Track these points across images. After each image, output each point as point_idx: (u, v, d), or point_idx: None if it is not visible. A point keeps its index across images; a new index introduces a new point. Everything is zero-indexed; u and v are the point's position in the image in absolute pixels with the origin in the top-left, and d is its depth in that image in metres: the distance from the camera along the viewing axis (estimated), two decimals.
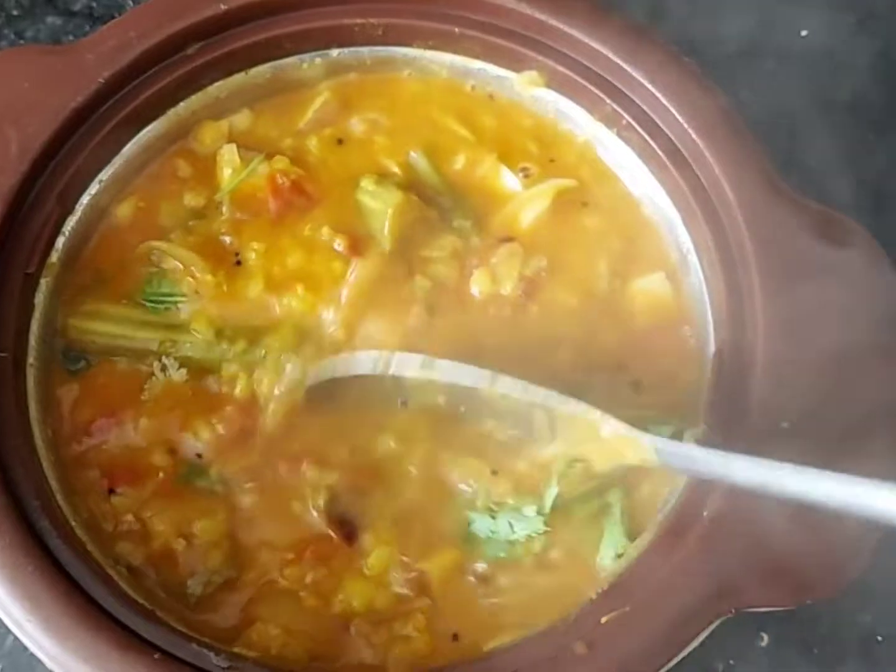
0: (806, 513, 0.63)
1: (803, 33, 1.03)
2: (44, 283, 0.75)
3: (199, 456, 0.73)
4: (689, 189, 0.77)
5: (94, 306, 0.77)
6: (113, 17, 1.00)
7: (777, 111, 0.96)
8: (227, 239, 0.80)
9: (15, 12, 1.04)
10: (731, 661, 0.80)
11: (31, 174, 0.74)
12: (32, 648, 0.62)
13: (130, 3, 1.04)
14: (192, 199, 0.81)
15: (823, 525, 0.64)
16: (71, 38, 1.02)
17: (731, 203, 0.74)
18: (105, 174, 0.79)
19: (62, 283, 0.77)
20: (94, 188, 0.79)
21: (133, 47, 0.78)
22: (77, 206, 0.78)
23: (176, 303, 0.78)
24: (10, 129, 0.74)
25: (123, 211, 0.81)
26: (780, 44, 1.01)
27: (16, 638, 0.76)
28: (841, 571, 0.66)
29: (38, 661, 0.76)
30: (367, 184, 0.80)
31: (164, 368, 0.75)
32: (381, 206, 0.78)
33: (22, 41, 1.02)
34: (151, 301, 0.78)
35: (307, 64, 0.84)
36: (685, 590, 0.64)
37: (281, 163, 0.80)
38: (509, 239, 0.80)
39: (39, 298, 0.75)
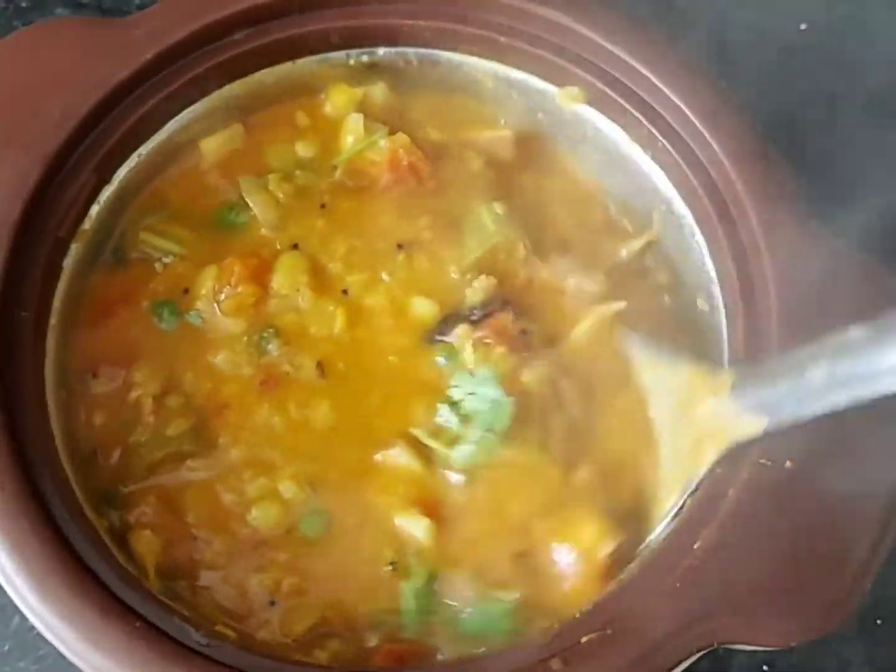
0: (799, 551, 0.63)
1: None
2: (73, 249, 0.77)
3: None
4: (717, 218, 0.76)
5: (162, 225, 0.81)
6: (121, 10, 1.05)
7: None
8: (326, 198, 0.82)
9: (24, 4, 1.06)
10: None
11: (71, 141, 0.75)
12: (18, 602, 0.63)
13: None
14: (303, 150, 0.84)
15: (816, 565, 0.64)
16: None
17: (758, 242, 0.74)
18: (145, 149, 0.81)
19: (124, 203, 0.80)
20: (132, 161, 0.80)
21: (182, 27, 0.79)
22: (114, 178, 0.79)
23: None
24: (55, 96, 0.76)
25: (209, 145, 0.83)
26: None
27: (22, 618, 0.80)
28: (832, 614, 0.65)
29: (43, 640, 0.78)
30: (488, 210, 0.80)
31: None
32: (481, 239, 0.79)
33: None
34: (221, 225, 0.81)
35: (353, 60, 0.85)
36: (667, 619, 0.63)
37: (402, 140, 0.82)
38: None
39: (68, 262, 0.76)
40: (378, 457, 0.74)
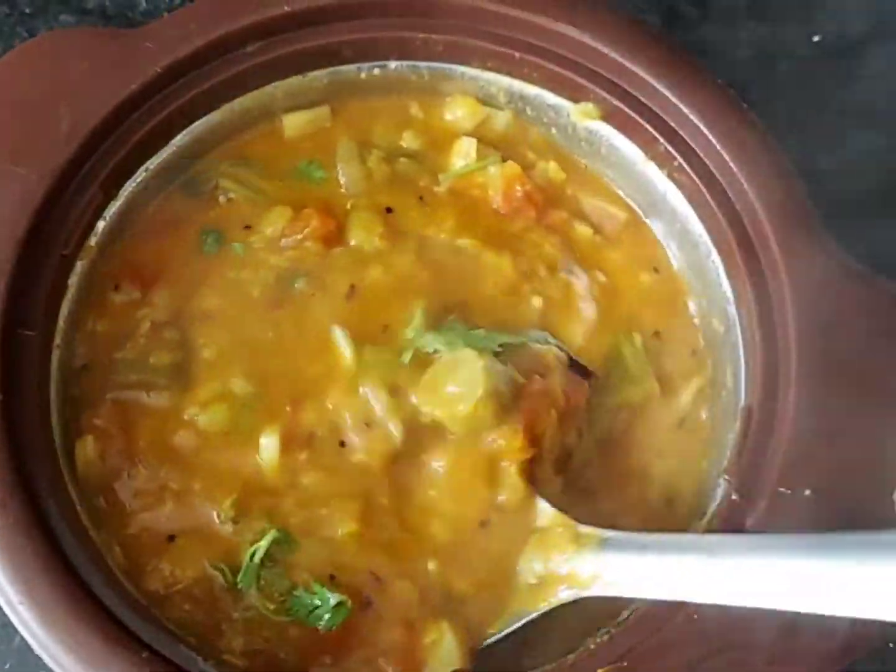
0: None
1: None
2: (79, 266, 0.76)
3: None
4: (735, 239, 0.76)
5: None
6: (126, 17, 1.03)
7: None
8: (426, 195, 0.82)
9: (28, 10, 1.04)
10: None
11: (78, 157, 0.74)
12: (22, 631, 0.62)
13: (143, 2, 1.04)
14: (409, 140, 0.85)
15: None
16: None
17: (776, 262, 0.73)
18: (152, 163, 0.80)
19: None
20: (139, 176, 0.79)
21: (193, 39, 0.78)
22: (121, 193, 0.78)
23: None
24: (64, 108, 0.75)
25: (292, 121, 0.84)
26: None
27: (22, 637, 0.78)
28: (848, 649, 0.64)
29: None
30: None
31: None
32: None
33: None
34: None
35: (365, 73, 0.84)
36: (684, 650, 0.63)
37: (513, 169, 0.82)
38: None
39: (73, 280, 0.75)
40: None
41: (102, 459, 0.72)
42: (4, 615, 0.80)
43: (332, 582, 0.69)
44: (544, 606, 0.69)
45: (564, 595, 0.68)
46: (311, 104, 0.85)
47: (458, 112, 0.85)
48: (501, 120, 0.86)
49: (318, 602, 0.68)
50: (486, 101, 0.86)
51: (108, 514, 0.71)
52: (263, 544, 0.69)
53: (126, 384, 0.74)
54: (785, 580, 0.58)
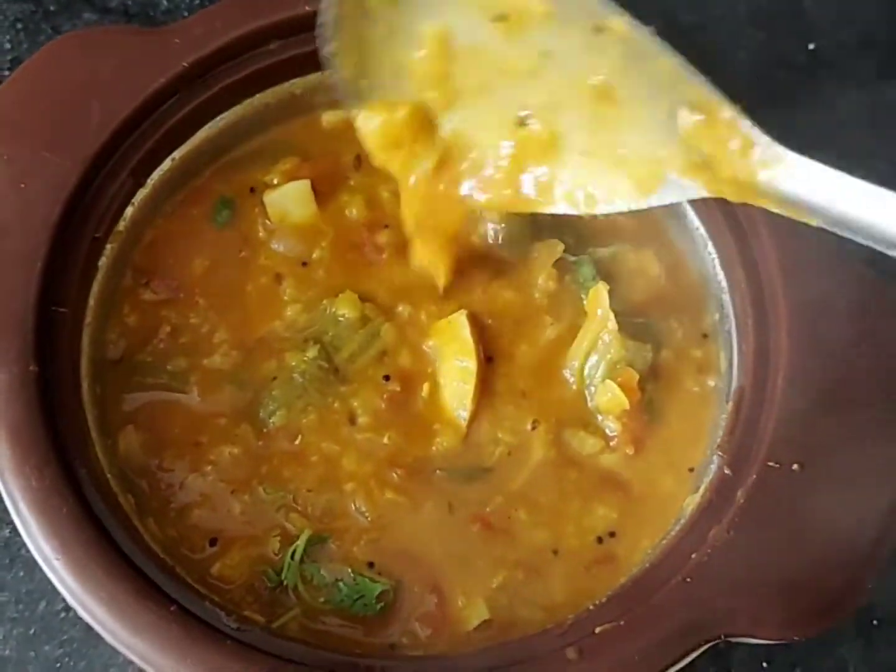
0: (803, 550, 0.66)
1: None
2: (108, 249, 0.80)
3: None
4: (729, 231, 0.80)
5: None
6: (148, 15, 1.07)
7: None
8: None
9: (52, 7, 1.08)
10: None
11: (109, 146, 0.78)
12: (58, 585, 0.66)
13: (164, 2, 1.08)
14: None
15: (819, 564, 0.67)
16: None
17: (768, 252, 0.77)
18: (178, 153, 0.84)
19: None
20: (166, 165, 0.83)
21: (218, 37, 0.82)
22: (149, 181, 0.82)
23: None
24: (95, 102, 0.79)
25: (329, 118, 0.87)
26: None
27: (48, 602, 0.84)
28: (833, 611, 0.68)
29: (69, 624, 0.83)
30: None
31: None
32: None
33: (59, 36, 1.02)
34: None
35: None
36: (677, 612, 0.67)
37: None
38: None
39: (103, 262, 0.80)
40: None
41: (143, 451, 0.77)
42: (29, 582, 0.85)
43: (371, 569, 0.74)
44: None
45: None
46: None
47: None
48: None
49: (360, 592, 0.73)
50: None
51: (149, 498, 0.76)
52: (300, 543, 0.73)
53: (147, 386, 0.79)
54: None
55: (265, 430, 0.78)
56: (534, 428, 0.79)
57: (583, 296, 0.81)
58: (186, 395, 0.79)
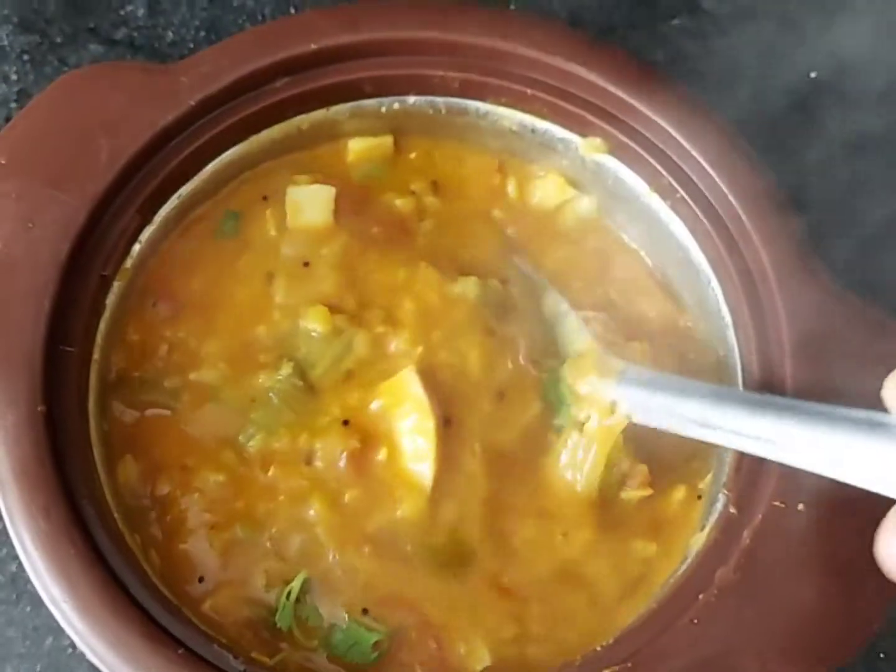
0: (810, 590, 0.67)
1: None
2: (116, 286, 0.80)
3: None
4: (734, 269, 0.80)
5: None
6: (154, 47, 1.08)
7: None
8: None
9: (58, 39, 1.08)
10: None
11: (116, 183, 0.79)
12: (65, 627, 0.66)
13: (170, 34, 1.09)
14: None
15: (826, 604, 0.68)
16: None
17: (772, 289, 0.77)
18: (184, 190, 0.84)
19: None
20: (172, 202, 0.83)
21: (225, 75, 0.82)
22: (155, 218, 0.83)
23: None
24: (103, 140, 0.79)
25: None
26: None
27: (54, 638, 0.84)
28: (840, 651, 0.68)
29: (75, 660, 0.83)
30: None
31: None
32: None
33: (65, 67, 1.07)
34: None
35: (385, 107, 0.88)
36: (684, 654, 0.67)
37: None
38: None
39: (111, 299, 0.80)
40: None
41: (143, 481, 0.77)
42: (36, 618, 0.85)
43: (365, 615, 0.73)
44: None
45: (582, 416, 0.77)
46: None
47: None
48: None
49: (356, 639, 0.72)
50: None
51: (150, 534, 0.75)
52: (296, 585, 0.73)
53: (144, 404, 0.79)
54: (778, 437, 0.66)
55: (245, 456, 0.77)
56: None
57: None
58: (177, 414, 0.79)
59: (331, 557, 0.74)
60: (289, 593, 0.72)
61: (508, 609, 0.74)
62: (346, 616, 0.73)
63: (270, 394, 0.78)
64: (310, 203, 0.85)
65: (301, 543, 0.75)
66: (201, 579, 0.74)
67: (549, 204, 0.90)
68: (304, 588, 0.73)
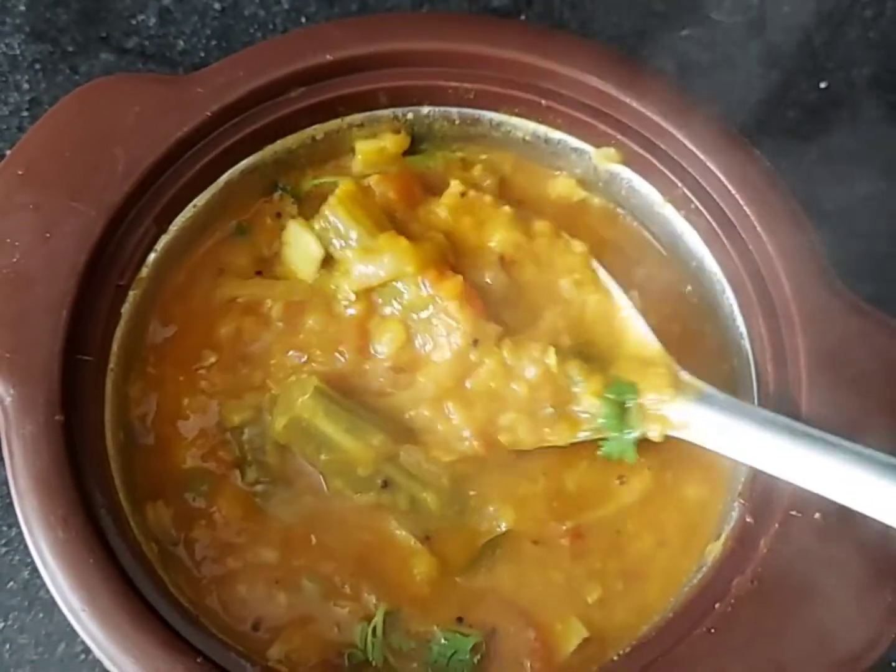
0: (826, 598, 0.67)
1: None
2: (132, 296, 0.80)
3: None
4: (748, 277, 0.80)
5: None
6: (165, 56, 1.09)
7: None
8: None
9: (70, 48, 1.09)
10: None
11: (133, 194, 0.79)
12: (84, 637, 0.66)
13: (181, 43, 1.10)
14: None
15: (844, 611, 0.68)
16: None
17: (787, 299, 0.78)
18: (200, 200, 0.84)
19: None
20: (188, 212, 0.84)
21: (241, 85, 0.83)
22: (171, 227, 0.83)
23: None
24: (119, 150, 0.80)
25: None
26: None
27: (67, 644, 0.85)
28: (859, 659, 0.68)
29: (86, 667, 0.84)
30: None
31: None
32: None
33: (77, 76, 1.08)
34: None
35: (400, 117, 0.89)
36: (701, 664, 0.67)
37: None
38: None
39: (126, 308, 0.80)
40: None
41: (176, 527, 0.76)
42: (48, 624, 0.85)
43: (460, 623, 0.74)
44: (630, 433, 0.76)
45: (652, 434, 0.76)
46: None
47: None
48: None
49: (453, 649, 0.72)
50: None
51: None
52: (378, 619, 0.72)
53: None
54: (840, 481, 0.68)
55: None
56: None
57: None
58: None
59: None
60: (374, 629, 0.72)
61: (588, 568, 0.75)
62: (439, 629, 0.73)
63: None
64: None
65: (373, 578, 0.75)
66: (256, 626, 0.73)
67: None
68: (387, 617, 0.73)
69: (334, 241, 0.81)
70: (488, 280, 0.80)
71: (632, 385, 0.76)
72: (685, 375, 0.77)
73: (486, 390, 0.77)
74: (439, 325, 0.78)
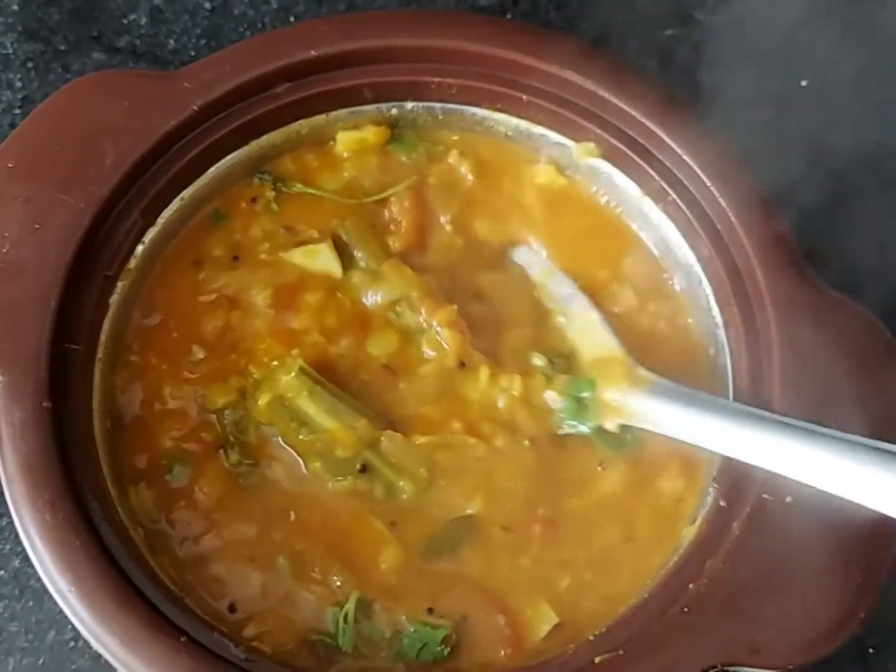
0: (799, 579, 0.69)
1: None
2: (120, 286, 0.82)
3: None
4: (723, 267, 0.82)
5: None
6: (156, 55, 1.10)
7: None
8: None
9: (62, 47, 1.10)
10: None
11: (120, 187, 0.81)
12: (71, 618, 0.68)
13: (172, 42, 1.10)
14: None
15: (815, 593, 0.69)
16: None
17: (762, 289, 0.79)
18: (186, 193, 0.86)
19: None
20: (175, 205, 0.85)
21: (227, 81, 0.84)
22: (158, 220, 0.84)
23: None
24: (108, 144, 0.81)
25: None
26: None
27: (57, 632, 0.85)
28: (830, 639, 0.70)
29: (77, 654, 0.84)
30: None
31: None
32: None
33: (69, 74, 1.08)
34: None
35: (384, 113, 0.90)
36: (676, 642, 0.68)
37: None
38: None
39: (114, 299, 0.81)
40: None
41: (157, 507, 0.77)
42: (38, 612, 0.86)
43: (430, 614, 0.74)
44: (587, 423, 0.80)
45: (609, 425, 0.79)
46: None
47: None
48: None
49: (423, 641, 0.73)
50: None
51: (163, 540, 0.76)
52: (350, 606, 0.73)
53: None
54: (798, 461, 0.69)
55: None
56: None
57: None
58: None
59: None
60: (345, 616, 0.73)
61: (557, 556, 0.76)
62: (408, 620, 0.74)
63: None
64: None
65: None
66: (232, 608, 0.74)
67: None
68: (360, 605, 0.74)
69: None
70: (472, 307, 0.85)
71: (591, 381, 0.80)
72: (641, 370, 0.80)
73: (467, 399, 0.81)
74: (429, 345, 0.82)
